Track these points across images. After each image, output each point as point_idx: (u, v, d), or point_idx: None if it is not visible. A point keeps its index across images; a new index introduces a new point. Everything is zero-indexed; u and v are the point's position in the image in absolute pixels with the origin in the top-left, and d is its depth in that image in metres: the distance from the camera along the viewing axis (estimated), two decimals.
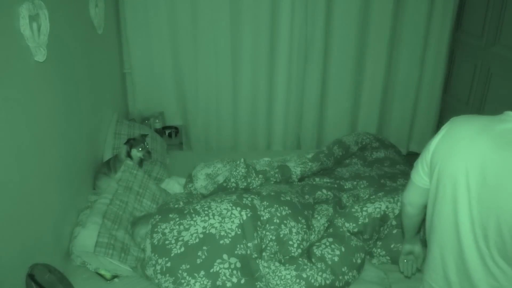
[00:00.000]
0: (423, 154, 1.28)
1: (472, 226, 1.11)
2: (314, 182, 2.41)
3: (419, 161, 1.30)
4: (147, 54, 3.19)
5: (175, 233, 1.80)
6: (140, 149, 2.36)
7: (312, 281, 1.74)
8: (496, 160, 1.05)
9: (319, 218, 2.06)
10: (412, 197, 1.38)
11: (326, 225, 2.04)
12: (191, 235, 1.78)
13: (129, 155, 2.35)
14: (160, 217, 1.88)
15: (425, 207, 1.34)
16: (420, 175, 1.30)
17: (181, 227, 1.81)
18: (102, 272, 1.83)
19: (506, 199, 1.02)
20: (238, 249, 1.76)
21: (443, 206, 1.18)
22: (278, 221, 1.90)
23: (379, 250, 1.97)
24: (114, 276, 1.84)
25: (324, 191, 2.24)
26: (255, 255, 1.79)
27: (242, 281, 1.68)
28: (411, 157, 3.52)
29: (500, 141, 1.07)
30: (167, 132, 3.33)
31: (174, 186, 2.46)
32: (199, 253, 1.72)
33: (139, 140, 2.39)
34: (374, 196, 2.11)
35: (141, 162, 2.47)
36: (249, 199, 1.96)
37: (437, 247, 1.25)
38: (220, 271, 1.68)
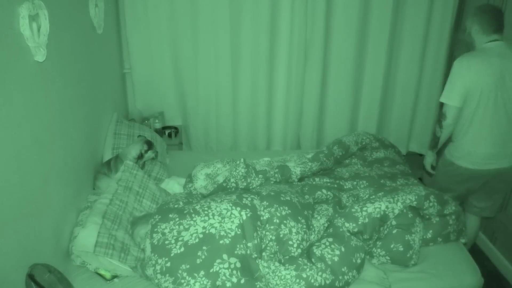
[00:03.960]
0: (455, 87, 2.10)
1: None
2: (314, 182, 2.41)
3: (455, 92, 2.10)
4: (147, 54, 3.19)
5: (175, 233, 1.80)
6: (154, 149, 2.47)
7: (312, 281, 1.74)
8: (504, 65, 2.06)
9: (319, 218, 2.06)
10: (456, 117, 2.17)
11: (326, 225, 2.04)
12: (191, 235, 1.78)
13: (141, 156, 2.37)
14: (159, 217, 1.88)
15: None
16: (460, 99, 2.10)
17: (181, 227, 1.81)
18: (102, 272, 1.83)
19: None
20: (238, 249, 1.76)
21: (486, 98, 2.08)
22: (278, 221, 1.90)
23: (379, 250, 1.97)
24: (114, 276, 1.84)
25: (324, 191, 2.24)
26: (255, 255, 1.79)
27: (242, 281, 1.68)
28: (411, 157, 3.53)
29: (500, 55, 2.07)
30: (167, 132, 3.33)
31: (174, 186, 2.46)
32: (199, 253, 1.72)
33: (151, 142, 2.49)
34: (374, 196, 2.11)
35: (144, 163, 2.48)
36: (249, 199, 1.96)
37: (482, 121, 2.12)
38: (220, 271, 1.68)
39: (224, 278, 1.67)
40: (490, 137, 2.15)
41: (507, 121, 2.13)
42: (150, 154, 2.44)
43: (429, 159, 2.44)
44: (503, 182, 2.32)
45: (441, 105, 2.21)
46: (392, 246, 1.95)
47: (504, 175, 2.26)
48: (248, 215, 1.87)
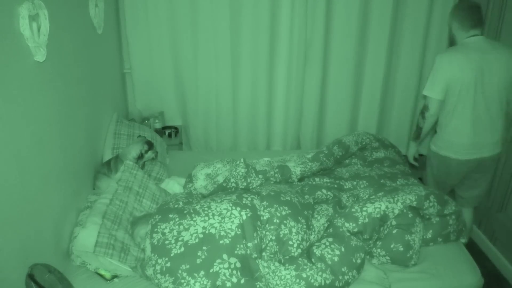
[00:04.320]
0: (436, 80, 2.21)
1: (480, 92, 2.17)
2: (314, 182, 2.41)
3: (437, 85, 2.21)
4: (147, 54, 3.19)
5: (175, 233, 1.80)
6: (153, 150, 2.48)
7: (312, 281, 1.74)
8: (484, 59, 2.14)
9: (319, 218, 2.06)
10: (438, 109, 2.28)
11: (326, 225, 2.04)
12: (191, 235, 1.78)
13: (142, 156, 2.37)
14: (159, 217, 1.88)
15: None
16: (441, 92, 2.21)
17: (181, 227, 1.81)
18: (102, 272, 1.83)
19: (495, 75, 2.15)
20: (238, 249, 1.76)
21: (466, 91, 2.17)
22: (278, 221, 1.90)
23: (379, 250, 1.97)
24: (114, 276, 1.84)
25: (324, 191, 2.23)
26: (255, 255, 1.79)
27: (242, 281, 1.68)
28: None
29: (479, 49, 2.16)
30: (167, 132, 3.33)
31: (174, 186, 2.46)
32: (199, 253, 1.72)
33: (151, 142, 2.49)
34: (374, 196, 2.11)
35: (144, 163, 2.49)
36: (249, 199, 1.96)
37: (462, 112, 2.21)
38: (220, 271, 1.68)
39: (224, 278, 1.67)
40: (471, 128, 2.22)
41: (487, 112, 2.21)
42: (150, 154, 2.44)
43: (412, 149, 2.56)
44: (486, 172, 2.39)
45: (424, 97, 2.34)
46: (392, 246, 1.95)
47: (486, 164, 2.34)
48: (248, 215, 1.87)
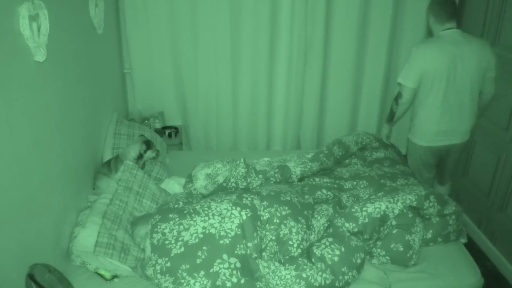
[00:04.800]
0: (411, 70, 2.32)
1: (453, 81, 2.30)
2: (314, 182, 2.41)
3: (411, 74, 2.32)
4: (147, 54, 3.19)
5: (175, 233, 1.80)
6: (153, 149, 2.48)
7: (312, 281, 1.74)
8: (457, 51, 2.24)
9: (319, 218, 2.06)
10: (411, 97, 2.41)
11: (326, 225, 2.04)
12: (191, 235, 1.78)
13: (141, 156, 2.37)
14: (160, 217, 1.88)
15: None
16: (415, 81, 2.33)
17: (181, 227, 1.81)
18: (102, 272, 1.83)
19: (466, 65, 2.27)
20: (238, 249, 1.76)
21: (438, 81, 2.29)
22: (278, 221, 1.90)
23: (379, 250, 1.97)
24: (114, 276, 1.84)
25: (324, 191, 2.23)
26: (255, 255, 1.79)
27: (242, 281, 1.68)
28: None
29: (453, 42, 2.26)
30: (167, 132, 3.33)
31: (174, 186, 2.46)
32: (199, 253, 1.72)
33: (151, 141, 2.49)
34: (374, 196, 2.11)
35: (144, 163, 2.49)
36: (249, 199, 1.96)
37: (434, 101, 2.34)
38: (220, 271, 1.68)
39: (224, 278, 1.67)
40: (441, 116, 2.37)
41: (458, 102, 2.34)
42: (150, 154, 2.44)
43: (385, 130, 2.78)
44: (455, 155, 2.59)
45: (399, 84, 2.46)
46: (392, 246, 1.95)
47: (455, 150, 2.54)
48: (248, 215, 1.87)
